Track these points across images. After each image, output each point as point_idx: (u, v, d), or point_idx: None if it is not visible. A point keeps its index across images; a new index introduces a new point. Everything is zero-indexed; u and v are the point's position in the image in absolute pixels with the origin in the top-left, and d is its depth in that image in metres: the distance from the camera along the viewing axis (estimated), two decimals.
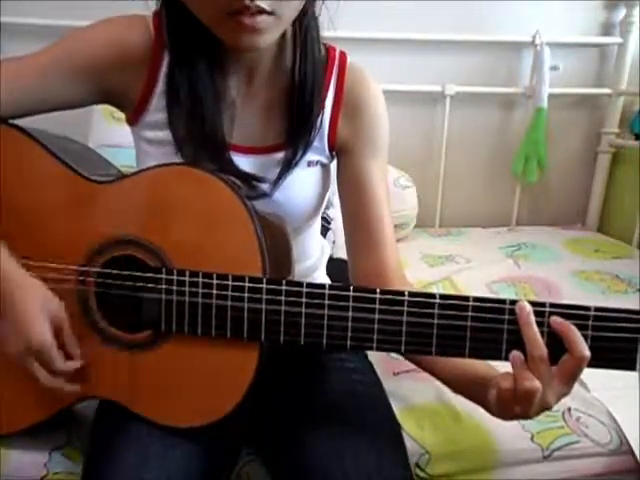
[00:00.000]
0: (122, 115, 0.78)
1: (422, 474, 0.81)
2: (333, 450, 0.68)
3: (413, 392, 0.93)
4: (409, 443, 0.80)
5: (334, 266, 0.97)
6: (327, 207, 1.38)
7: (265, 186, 0.74)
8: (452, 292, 1.34)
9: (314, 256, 0.88)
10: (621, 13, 1.77)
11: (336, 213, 1.40)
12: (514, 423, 0.86)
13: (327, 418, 0.73)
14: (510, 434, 0.85)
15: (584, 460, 0.85)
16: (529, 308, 0.58)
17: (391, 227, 0.80)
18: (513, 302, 0.59)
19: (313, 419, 0.73)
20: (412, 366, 0.76)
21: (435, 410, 0.90)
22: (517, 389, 0.58)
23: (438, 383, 0.88)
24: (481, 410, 0.88)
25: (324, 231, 1.22)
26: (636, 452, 0.84)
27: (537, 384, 0.57)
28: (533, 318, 0.58)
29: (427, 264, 1.51)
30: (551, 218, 1.91)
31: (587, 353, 0.57)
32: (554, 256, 1.56)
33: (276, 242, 0.68)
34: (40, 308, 0.64)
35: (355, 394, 0.77)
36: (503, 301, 0.59)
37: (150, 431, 0.68)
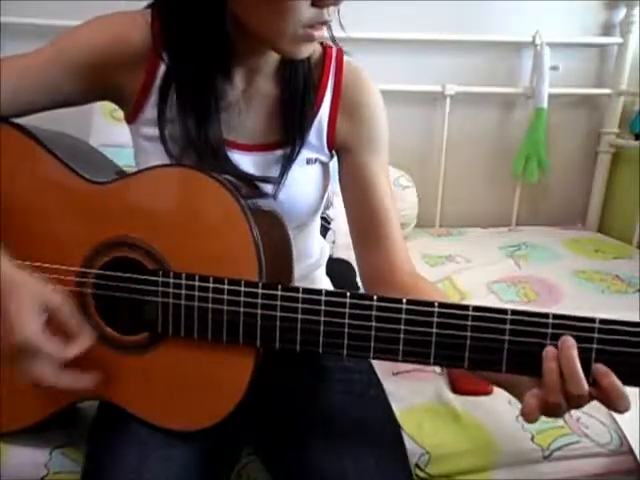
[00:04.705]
0: (122, 114, 0.78)
1: (422, 474, 0.81)
2: (333, 450, 0.68)
3: (413, 392, 0.93)
4: (409, 443, 0.80)
5: (334, 266, 0.97)
6: (327, 207, 1.38)
7: (268, 187, 0.74)
8: (452, 292, 1.34)
9: (314, 256, 0.88)
10: (621, 13, 1.77)
11: (336, 213, 1.40)
12: (514, 423, 0.86)
13: (327, 418, 0.73)
14: (510, 434, 0.85)
15: (584, 460, 0.85)
16: (571, 342, 0.56)
17: (396, 223, 0.79)
18: (515, 312, 0.57)
19: (313, 419, 0.73)
20: (412, 366, 0.76)
21: (435, 410, 0.90)
22: (545, 400, 0.57)
23: (438, 383, 0.88)
24: (481, 410, 0.88)
25: (324, 231, 1.22)
26: (636, 452, 0.84)
27: (563, 403, 0.57)
28: (575, 353, 0.55)
29: (427, 264, 1.51)
30: (551, 218, 1.91)
31: (626, 408, 0.56)
32: (554, 256, 1.56)
33: (276, 243, 0.68)
34: (29, 303, 0.62)
35: (355, 394, 0.77)
36: (505, 311, 0.58)
37: (150, 431, 0.68)
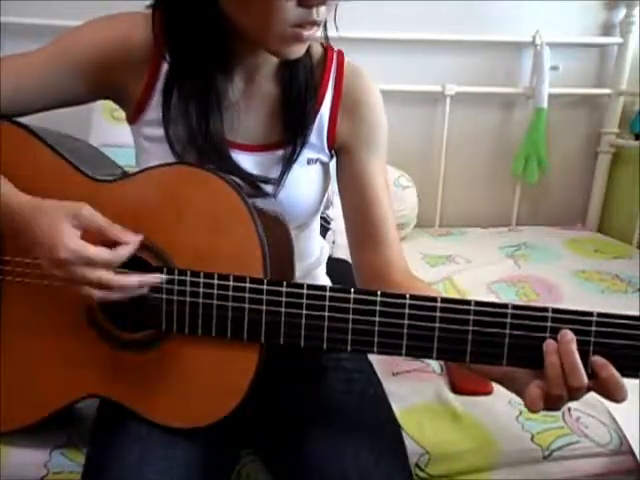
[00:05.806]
0: (122, 114, 0.78)
1: (422, 474, 0.81)
2: (333, 450, 0.68)
3: (413, 392, 0.93)
4: (409, 443, 0.80)
5: (334, 266, 0.97)
6: (327, 207, 1.38)
7: (269, 187, 0.74)
8: (453, 292, 1.34)
9: (313, 256, 0.88)
10: (621, 13, 1.78)
11: (336, 213, 1.40)
12: (514, 423, 0.86)
13: (327, 418, 0.73)
14: (510, 434, 0.85)
15: (584, 460, 0.85)
16: (570, 337, 0.57)
17: (393, 223, 0.80)
18: (515, 307, 0.58)
19: (313, 419, 0.73)
20: (412, 366, 0.76)
21: (435, 410, 0.90)
22: (547, 393, 0.58)
23: (438, 383, 0.87)
24: (481, 410, 0.88)
25: (324, 231, 1.22)
26: (636, 452, 0.84)
27: (565, 395, 0.57)
28: (574, 347, 0.56)
29: (427, 264, 1.52)
30: (551, 218, 1.91)
31: (623, 398, 0.56)
32: (554, 256, 1.56)
33: (278, 242, 0.68)
34: (60, 219, 0.62)
35: (355, 394, 0.77)
36: (505, 305, 0.59)
37: (151, 430, 0.68)
